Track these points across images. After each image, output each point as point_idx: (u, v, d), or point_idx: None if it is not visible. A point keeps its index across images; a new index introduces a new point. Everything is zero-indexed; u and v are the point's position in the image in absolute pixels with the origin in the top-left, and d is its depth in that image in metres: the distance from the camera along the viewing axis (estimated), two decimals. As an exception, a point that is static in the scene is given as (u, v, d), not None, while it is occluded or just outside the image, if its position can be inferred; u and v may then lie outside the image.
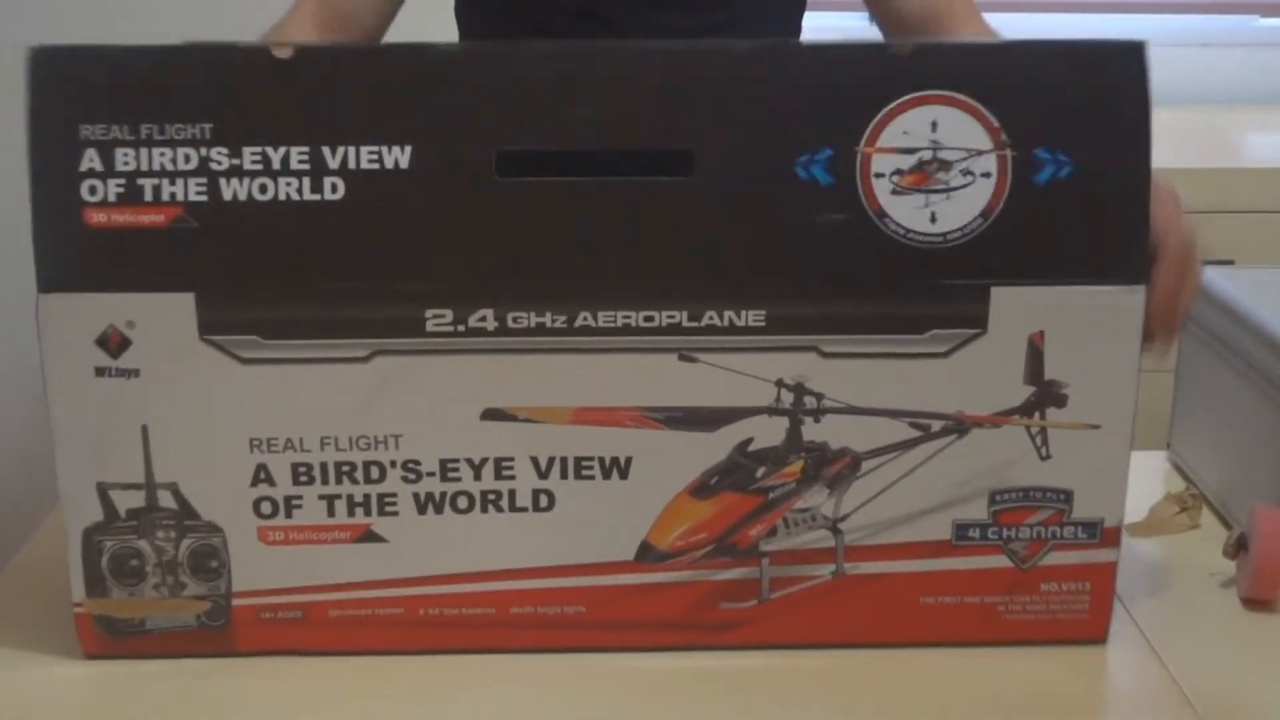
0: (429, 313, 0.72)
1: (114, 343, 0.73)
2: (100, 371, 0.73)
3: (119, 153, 0.70)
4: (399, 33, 0.73)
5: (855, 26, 1.15)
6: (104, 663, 0.77)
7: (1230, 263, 1.01)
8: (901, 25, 1.17)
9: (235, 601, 0.77)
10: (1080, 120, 0.72)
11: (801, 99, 0.72)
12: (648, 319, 0.73)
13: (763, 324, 0.73)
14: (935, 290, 0.73)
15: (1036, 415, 0.75)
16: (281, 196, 0.70)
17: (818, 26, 1.30)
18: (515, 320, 0.73)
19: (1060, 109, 0.72)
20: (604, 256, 0.72)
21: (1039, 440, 0.76)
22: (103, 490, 0.75)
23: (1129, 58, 0.72)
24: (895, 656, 0.78)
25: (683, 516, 0.77)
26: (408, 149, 0.70)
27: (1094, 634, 0.79)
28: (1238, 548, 0.85)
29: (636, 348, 0.73)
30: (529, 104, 0.70)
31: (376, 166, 0.70)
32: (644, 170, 0.71)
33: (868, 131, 0.71)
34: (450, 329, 0.73)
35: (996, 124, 0.71)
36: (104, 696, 0.76)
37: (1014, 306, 0.73)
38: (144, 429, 0.74)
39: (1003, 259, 0.73)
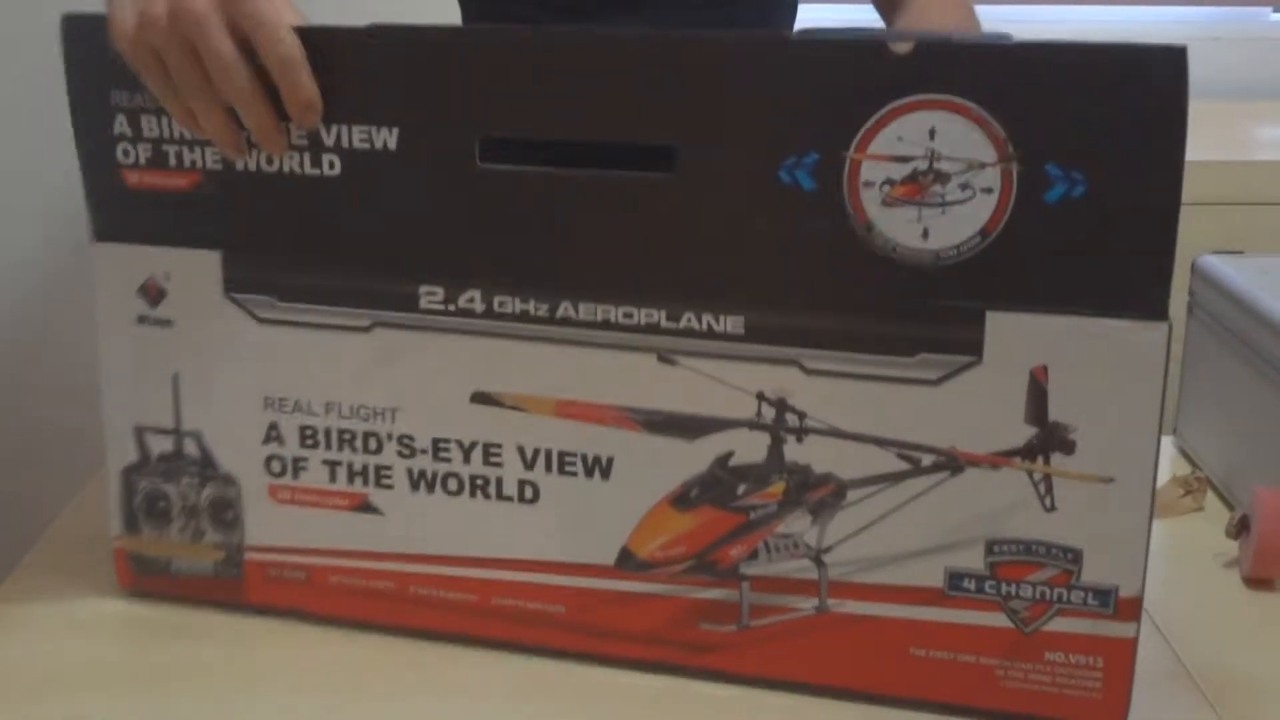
0: (422, 289, 0.74)
1: (152, 293, 0.78)
2: (141, 319, 0.79)
3: (144, 119, 0.75)
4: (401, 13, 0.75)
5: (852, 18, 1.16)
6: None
7: (1240, 253, 1.01)
8: None
9: (247, 555, 0.81)
10: (1102, 134, 0.64)
11: (790, 97, 0.68)
12: (627, 315, 0.72)
13: (741, 332, 0.70)
14: (925, 310, 0.68)
15: (1039, 460, 0.68)
16: (286, 170, 0.74)
17: (814, 18, 1.29)
18: (500, 305, 0.73)
19: (1079, 120, 0.64)
20: (583, 249, 0.72)
21: (1042, 489, 0.69)
22: (139, 432, 0.80)
23: (1166, 64, 0.64)
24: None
25: (662, 527, 0.74)
26: (395, 130, 0.72)
27: (1108, 718, 0.71)
28: (1240, 528, 0.87)
29: (617, 344, 0.72)
30: (512, 91, 0.70)
31: (367, 147, 0.72)
32: (627, 163, 0.70)
33: (859, 136, 0.66)
34: (441, 308, 0.74)
35: (1003, 135, 0.65)
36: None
37: (1012, 335, 0.67)
38: (175, 377, 0.79)
39: (1001, 281, 0.67)
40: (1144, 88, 0.64)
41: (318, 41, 0.71)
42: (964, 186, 0.66)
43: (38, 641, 0.78)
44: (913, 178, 0.66)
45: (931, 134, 0.66)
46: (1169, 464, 1.02)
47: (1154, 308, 0.66)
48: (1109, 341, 0.66)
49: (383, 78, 0.72)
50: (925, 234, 0.67)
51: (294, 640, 0.79)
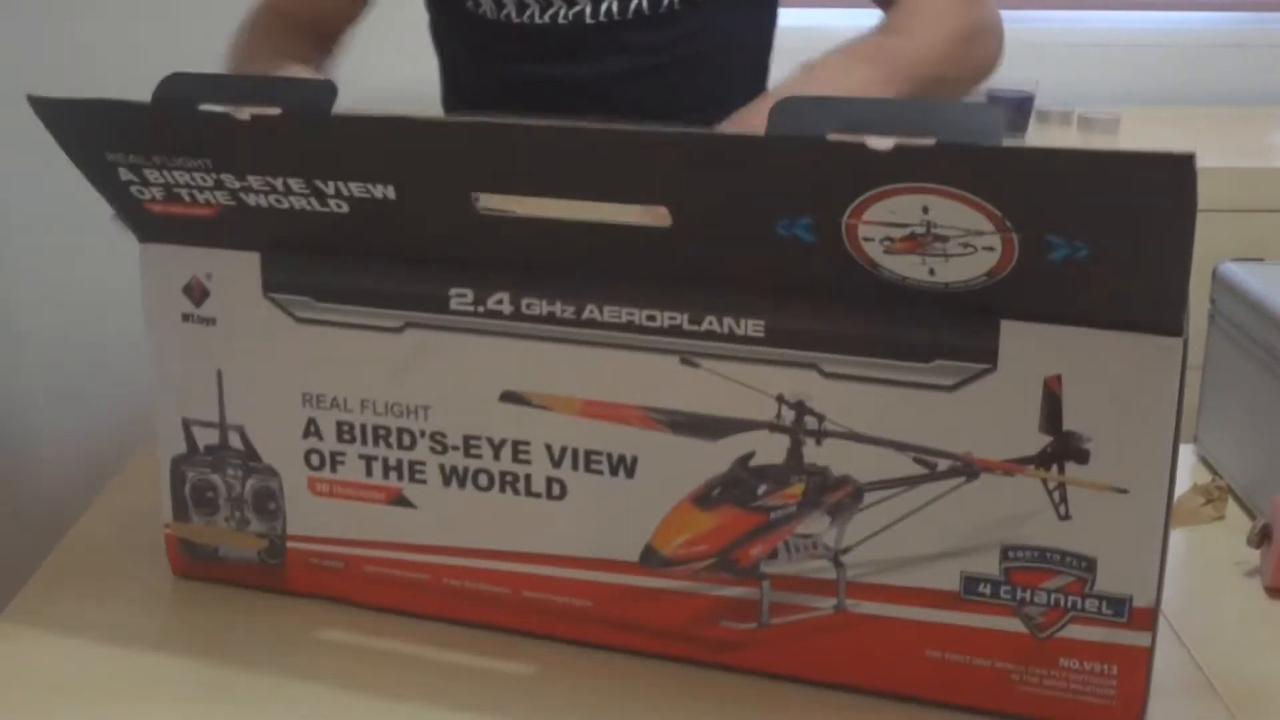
0: (452, 291, 0.76)
1: (197, 292, 0.81)
2: (186, 317, 0.81)
3: (146, 171, 0.75)
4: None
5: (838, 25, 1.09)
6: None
7: (1261, 260, 1.01)
8: None
9: (289, 544, 0.83)
10: (1104, 220, 0.62)
11: (779, 177, 0.65)
12: (650, 318, 0.73)
13: (761, 335, 0.71)
14: (940, 317, 0.68)
15: (1054, 469, 0.69)
16: (296, 207, 0.75)
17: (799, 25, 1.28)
18: (528, 306, 0.75)
19: (1079, 209, 0.62)
20: (603, 261, 0.72)
21: (1057, 497, 0.69)
22: (186, 425, 0.83)
23: (1171, 172, 0.58)
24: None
25: (685, 525, 0.76)
26: (390, 187, 0.72)
27: (1123, 726, 0.71)
28: (1262, 537, 0.86)
29: (640, 346, 0.73)
30: (503, 162, 0.70)
31: (367, 196, 0.73)
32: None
33: (850, 208, 0.65)
34: (471, 309, 0.76)
35: (999, 214, 0.63)
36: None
37: (1027, 344, 0.68)
38: (219, 373, 0.82)
39: (1013, 302, 0.67)
40: (1147, 194, 0.60)
41: (282, 124, 0.71)
42: (965, 245, 0.65)
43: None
44: (911, 237, 0.65)
45: (925, 210, 0.64)
46: (1189, 472, 1.01)
47: (1171, 324, 0.66)
48: (1123, 354, 0.66)
49: (377, 146, 0.72)
50: (932, 272, 0.67)
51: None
